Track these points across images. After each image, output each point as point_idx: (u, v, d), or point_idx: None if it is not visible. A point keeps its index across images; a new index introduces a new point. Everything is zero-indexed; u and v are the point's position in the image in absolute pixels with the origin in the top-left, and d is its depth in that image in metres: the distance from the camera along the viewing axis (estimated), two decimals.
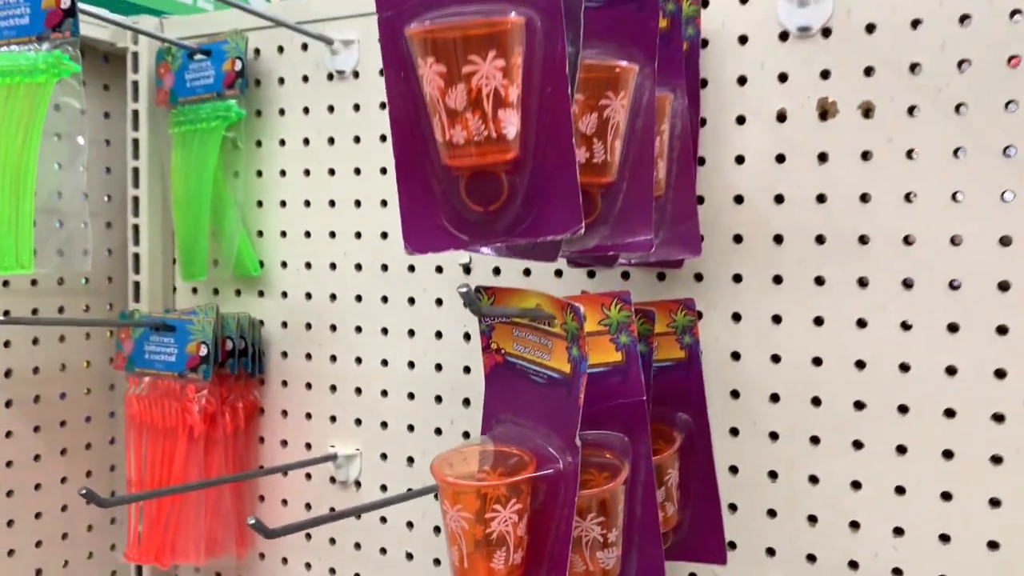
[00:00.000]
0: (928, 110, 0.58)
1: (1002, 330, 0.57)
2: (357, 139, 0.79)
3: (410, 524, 0.78)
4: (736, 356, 0.65)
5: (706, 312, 0.65)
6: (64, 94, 0.68)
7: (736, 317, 0.65)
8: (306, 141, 0.82)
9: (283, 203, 0.83)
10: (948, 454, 0.59)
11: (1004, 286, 0.57)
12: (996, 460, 0.58)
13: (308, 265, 0.82)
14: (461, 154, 0.43)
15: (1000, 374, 0.57)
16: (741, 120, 0.63)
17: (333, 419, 0.82)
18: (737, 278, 0.64)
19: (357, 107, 0.79)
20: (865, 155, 0.60)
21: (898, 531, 0.61)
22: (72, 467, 0.89)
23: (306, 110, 0.81)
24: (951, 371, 0.59)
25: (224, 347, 0.80)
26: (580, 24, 0.45)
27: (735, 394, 0.65)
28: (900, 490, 0.61)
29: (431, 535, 0.77)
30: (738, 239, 0.64)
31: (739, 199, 0.64)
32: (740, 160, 0.64)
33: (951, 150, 0.58)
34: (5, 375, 0.83)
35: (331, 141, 0.80)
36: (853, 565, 0.62)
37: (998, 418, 0.57)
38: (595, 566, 0.51)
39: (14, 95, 0.67)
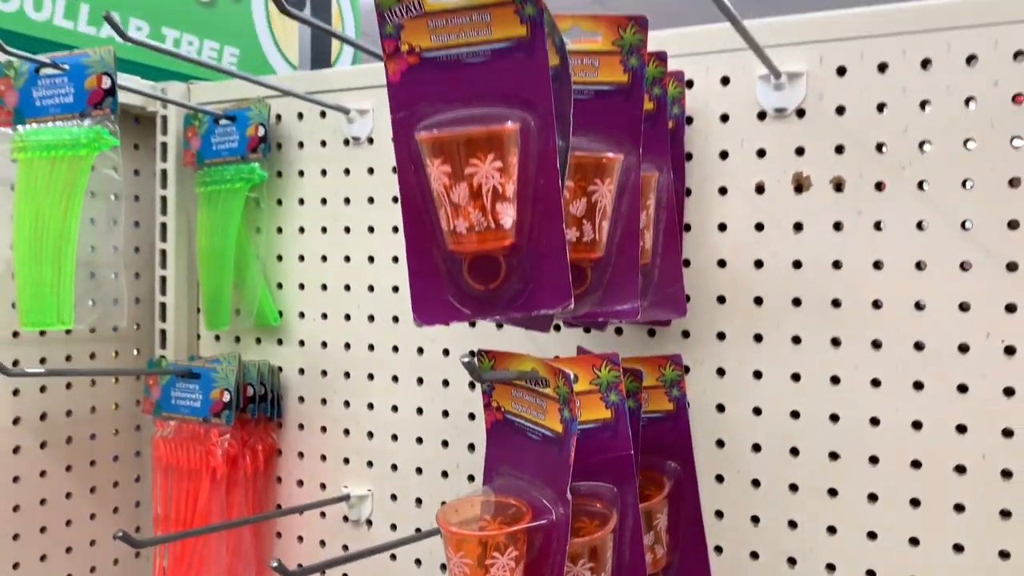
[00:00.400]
0: (894, 185, 0.64)
1: (962, 388, 0.62)
2: (371, 200, 0.85)
3: (418, 561, 0.83)
4: (721, 408, 0.70)
5: (693, 367, 0.70)
6: (103, 165, 0.74)
7: (720, 372, 0.70)
8: (323, 201, 0.88)
9: (301, 258, 0.89)
10: (915, 502, 0.64)
11: (964, 348, 0.62)
12: (959, 508, 0.62)
13: (324, 316, 0.88)
14: (464, 241, 0.49)
15: (961, 429, 0.62)
16: (723, 191, 0.69)
17: (346, 461, 0.87)
18: (721, 336, 0.69)
19: (371, 170, 0.85)
20: (837, 225, 0.66)
21: (870, 573, 0.65)
22: (100, 504, 0.95)
23: (324, 172, 0.87)
24: (917, 425, 0.64)
25: (245, 393, 0.86)
26: (569, 122, 0.51)
27: (720, 443, 0.70)
28: (872, 535, 0.65)
29: (438, 572, 0.82)
30: (721, 300, 0.69)
31: (722, 263, 0.69)
32: (723, 228, 0.69)
33: (915, 222, 0.63)
34: (41, 418, 0.89)
35: (347, 201, 0.86)
36: None
37: (960, 469, 0.62)
38: None
39: (58, 167, 0.73)
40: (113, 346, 0.96)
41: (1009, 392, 0.61)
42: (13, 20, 0.84)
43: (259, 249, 0.89)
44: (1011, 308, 0.61)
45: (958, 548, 0.63)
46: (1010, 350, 0.61)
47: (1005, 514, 0.61)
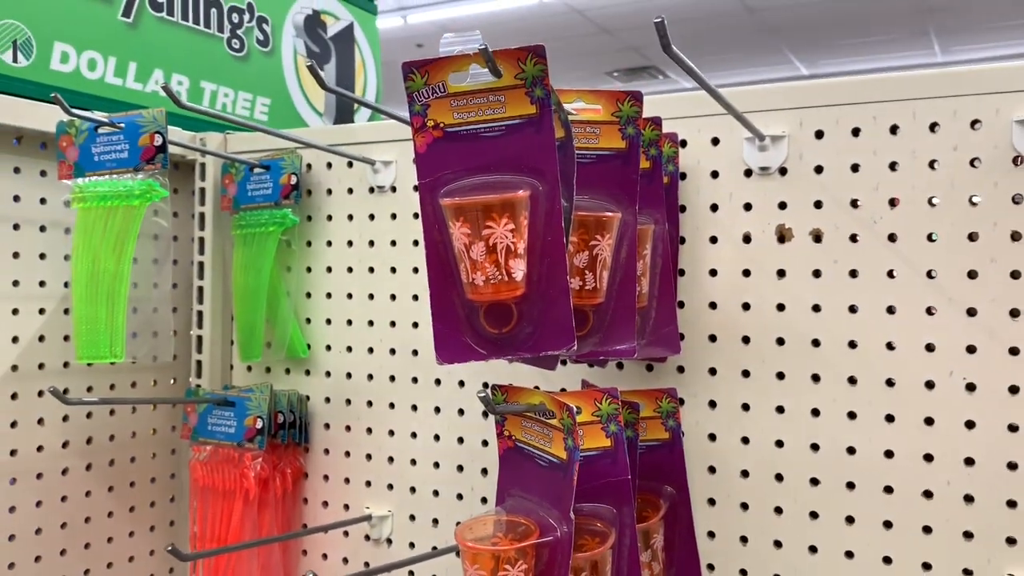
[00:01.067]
0: (867, 238, 0.71)
1: (929, 421, 0.69)
2: (393, 243, 0.92)
3: None
4: (712, 437, 0.77)
5: (687, 399, 0.77)
6: (154, 214, 0.82)
7: (712, 404, 0.77)
8: (349, 243, 0.95)
9: (329, 295, 0.97)
10: (888, 524, 0.70)
11: (930, 384, 0.69)
12: (927, 530, 0.69)
13: (349, 349, 0.95)
14: (480, 292, 0.56)
15: (928, 457, 0.69)
16: (714, 240, 0.76)
17: (368, 484, 0.94)
18: (712, 371, 0.76)
19: (394, 216, 0.92)
20: (816, 273, 0.73)
21: None
22: (138, 523, 1.02)
23: (350, 217, 0.95)
24: (889, 454, 0.70)
25: (276, 420, 0.93)
26: (572, 186, 0.58)
27: (712, 470, 0.77)
28: (849, 554, 0.72)
29: None
30: (713, 339, 0.76)
31: (713, 305, 0.76)
32: (714, 273, 0.76)
33: (886, 271, 0.70)
34: (87, 442, 0.96)
35: (371, 244, 0.94)
36: None
37: (928, 494, 0.69)
38: None
39: (113, 215, 0.81)
40: (152, 376, 1.03)
41: (970, 424, 0.67)
42: (70, 80, 0.93)
43: (290, 287, 0.97)
44: (971, 349, 0.67)
45: (927, 566, 0.69)
46: (971, 387, 0.67)
47: (968, 535, 0.68)
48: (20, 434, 0.90)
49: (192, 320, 1.02)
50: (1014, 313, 0.66)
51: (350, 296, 0.96)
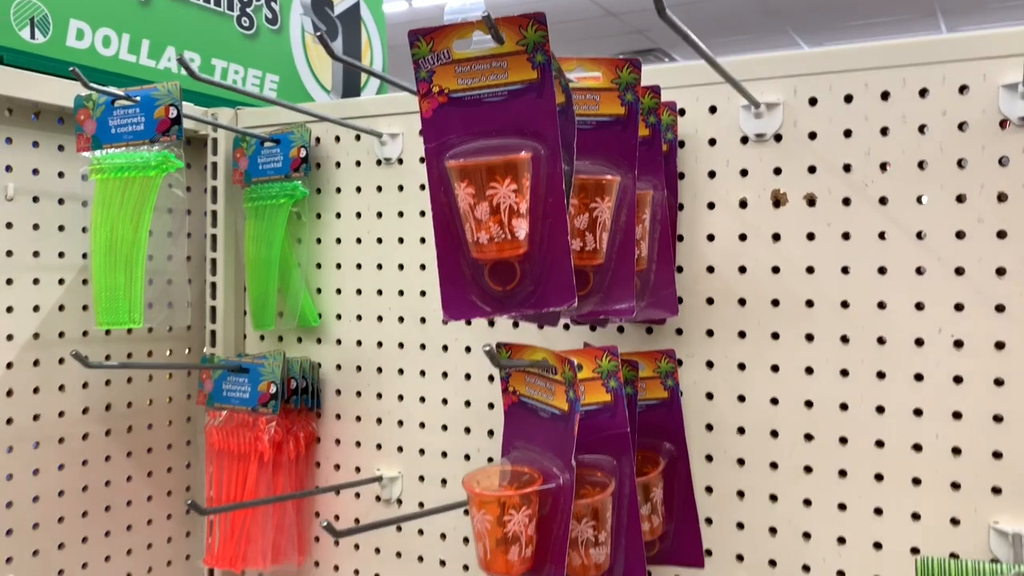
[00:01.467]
0: (859, 201, 0.73)
1: (919, 377, 0.71)
2: (400, 214, 0.95)
3: (443, 535, 0.93)
4: (710, 396, 0.79)
5: (685, 360, 0.80)
6: (170, 184, 0.85)
7: (709, 364, 0.79)
8: (358, 215, 0.98)
9: (338, 265, 1.00)
10: (879, 477, 0.73)
11: (919, 342, 0.71)
12: (916, 482, 0.72)
13: (359, 318, 0.98)
14: (485, 251, 0.59)
15: (918, 412, 0.71)
16: (711, 206, 0.79)
17: (379, 447, 0.97)
18: (710, 333, 0.79)
19: (401, 187, 0.95)
20: (810, 236, 0.75)
21: (841, 540, 0.75)
22: (156, 487, 1.05)
23: (358, 189, 0.98)
24: (880, 410, 0.73)
25: (289, 386, 0.96)
26: (573, 150, 0.61)
27: (709, 427, 0.79)
28: (842, 506, 0.74)
29: (461, 544, 0.92)
30: (710, 301, 0.79)
31: (710, 269, 0.79)
32: (711, 238, 0.79)
33: (877, 233, 0.73)
34: (106, 408, 1.00)
35: (379, 215, 0.97)
36: (806, 569, 0.76)
37: (917, 448, 0.71)
38: (588, 560, 0.65)
39: (130, 186, 0.84)
40: (167, 345, 1.06)
41: (958, 380, 0.70)
42: (86, 56, 0.95)
43: (300, 258, 1.00)
44: (959, 307, 0.70)
45: (916, 516, 0.72)
46: (958, 343, 0.70)
47: (955, 486, 0.70)
48: (42, 400, 0.94)
49: (206, 291, 1.05)
50: (1000, 271, 0.69)
51: (359, 266, 0.98)
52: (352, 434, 0.99)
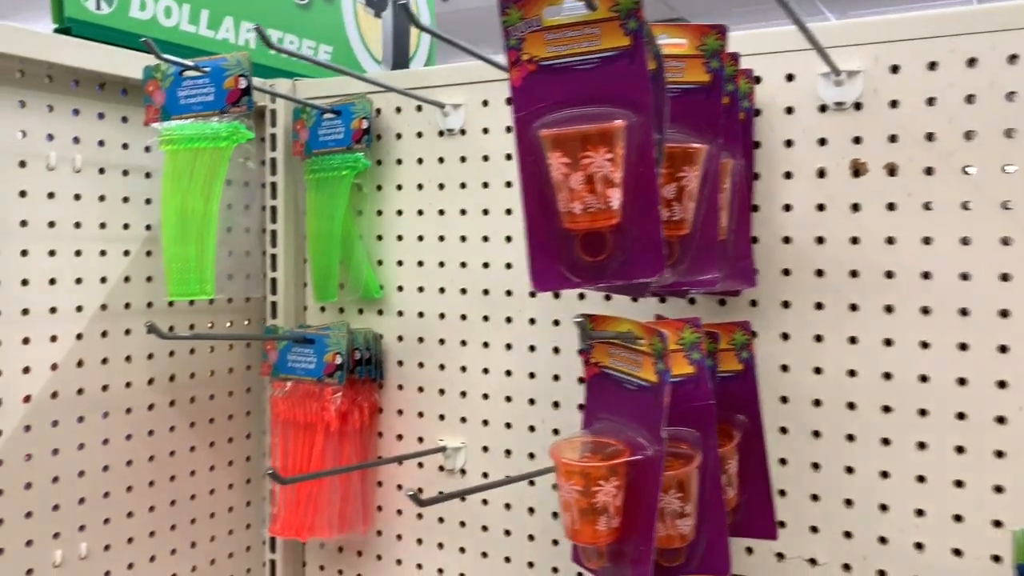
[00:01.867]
0: (941, 170, 0.72)
1: (1003, 349, 0.70)
2: (463, 185, 0.95)
3: (507, 505, 0.94)
4: (785, 368, 0.79)
5: (760, 332, 0.79)
6: (242, 155, 0.85)
7: (785, 336, 0.79)
8: (419, 186, 0.98)
9: (400, 237, 1.00)
10: (960, 449, 0.72)
11: (1004, 313, 0.70)
12: (999, 454, 0.71)
13: (420, 289, 0.98)
14: (578, 220, 0.58)
15: (1002, 384, 0.71)
16: (788, 175, 0.78)
17: (442, 417, 0.98)
18: (785, 304, 0.78)
19: (463, 159, 0.95)
20: (890, 206, 0.74)
21: (919, 512, 0.74)
22: (218, 457, 1.06)
23: (420, 160, 0.97)
24: (962, 382, 0.72)
25: (353, 357, 0.96)
26: (664, 118, 0.60)
27: (784, 399, 0.79)
28: (921, 479, 0.74)
29: (526, 515, 0.93)
30: (786, 272, 0.78)
31: (787, 240, 0.78)
32: (788, 208, 0.78)
33: (960, 203, 0.72)
34: (170, 379, 1.00)
35: (441, 187, 0.96)
36: (882, 540, 0.76)
37: (1000, 420, 0.71)
38: (675, 531, 0.65)
39: (200, 157, 0.84)
40: (228, 317, 1.07)
41: None
42: (148, 27, 0.95)
43: (362, 230, 1.00)
44: None
45: (998, 489, 0.71)
46: None
47: None
48: (111, 370, 0.94)
49: (266, 263, 1.06)
50: None
51: (421, 238, 0.98)
52: (415, 405, 1.00)
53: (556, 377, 0.90)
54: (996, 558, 0.71)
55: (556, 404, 0.91)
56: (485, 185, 0.94)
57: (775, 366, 0.79)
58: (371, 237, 1.01)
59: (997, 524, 0.71)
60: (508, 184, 0.92)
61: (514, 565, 0.94)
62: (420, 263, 0.98)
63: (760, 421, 0.76)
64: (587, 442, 0.66)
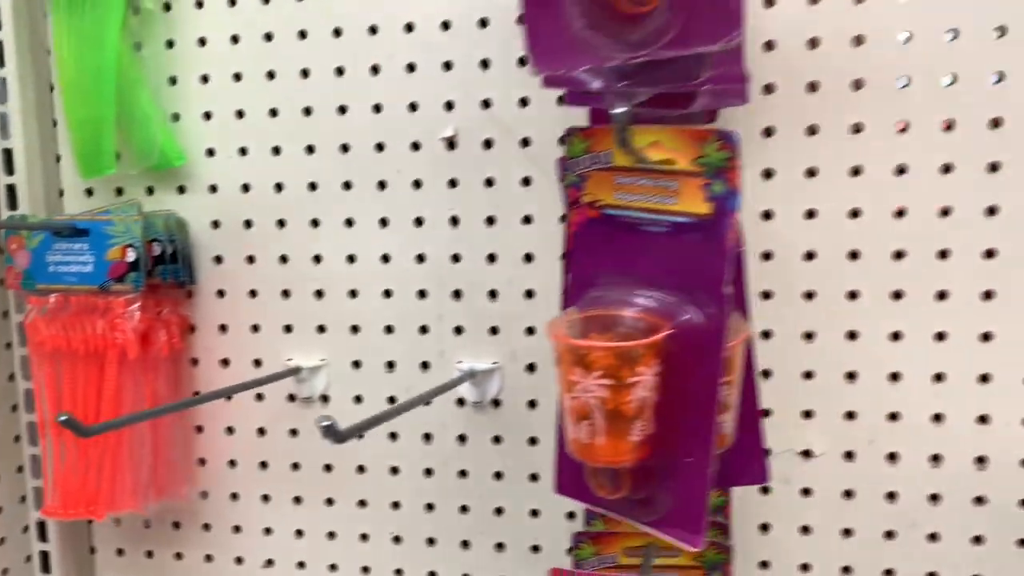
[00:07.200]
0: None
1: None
2: None
3: (393, 435, 0.70)
4: (767, 215, 0.61)
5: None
6: None
7: (767, 174, 0.61)
8: (231, 0, 0.68)
9: (205, 79, 0.70)
10: (988, 295, 0.59)
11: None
12: (985, 337, 0.59)
13: (243, 151, 0.70)
14: None
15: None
16: None
17: (288, 329, 0.71)
18: (767, 132, 0.60)
19: None
20: None
21: (938, 377, 0.60)
22: None
23: None
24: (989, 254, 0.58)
25: (150, 252, 0.67)
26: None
27: (767, 255, 0.62)
28: (939, 377, 0.60)
29: (420, 442, 0.69)
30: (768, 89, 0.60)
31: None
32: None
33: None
34: None
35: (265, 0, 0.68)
36: (893, 417, 0.62)
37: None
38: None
39: None
40: None
41: None
42: None
43: (147, 70, 0.69)
44: None
45: (984, 378, 0.59)
46: None
47: None
48: None
49: None
50: None
51: (238, 77, 0.69)
52: (245, 316, 0.72)
53: (456, 258, 0.67)
54: None
55: (457, 294, 0.67)
56: None
57: (755, 212, 0.61)
58: (161, 80, 0.70)
59: (983, 420, 0.59)
60: None
61: (405, 511, 0.71)
62: (239, 113, 0.70)
63: (745, 291, 0.58)
64: (588, 318, 0.44)
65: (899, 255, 0.60)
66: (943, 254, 0.59)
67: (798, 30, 0.59)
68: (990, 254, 0.59)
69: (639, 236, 0.44)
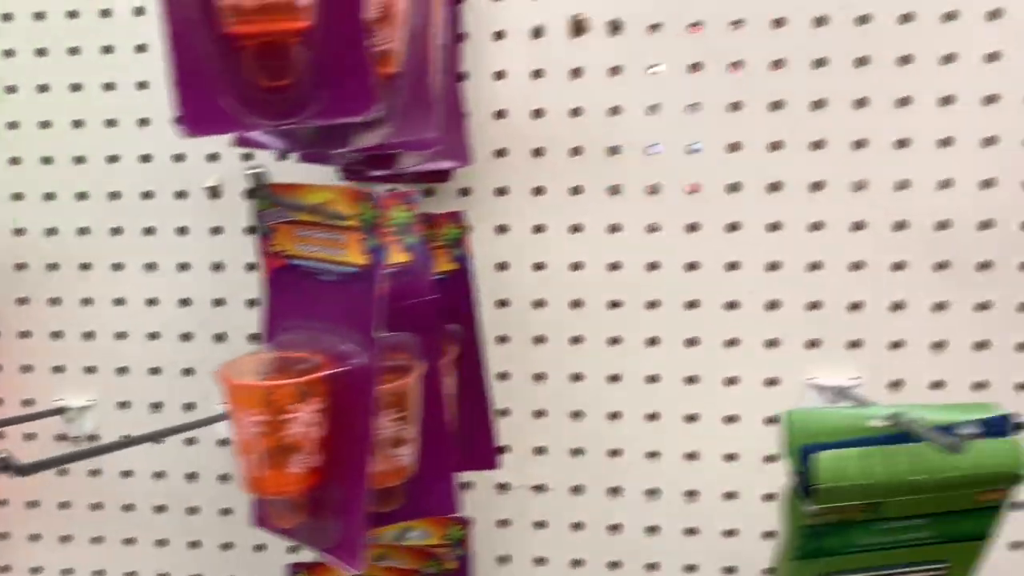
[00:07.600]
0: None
1: (733, 227, 0.64)
2: (73, 51, 0.70)
3: (159, 474, 0.72)
4: (503, 266, 0.67)
5: (475, 224, 0.66)
6: None
7: (502, 229, 0.66)
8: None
9: None
10: (692, 341, 0.66)
11: (735, 187, 0.64)
12: (731, 343, 0.65)
13: (17, 196, 0.72)
14: (247, 21, 0.40)
15: (733, 266, 0.64)
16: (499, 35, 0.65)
17: (59, 369, 0.73)
18: (501, 192, 0.66)
19: None
20: (615, 69, 0.64)
21: (652, 416, 0.66)
22: None
23: None
24: (692, 266, 0.65)
25: None
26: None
27: (503, 303, 0.67)
28: (652, 378, 0.66)
29: (184, 483, 0.72)
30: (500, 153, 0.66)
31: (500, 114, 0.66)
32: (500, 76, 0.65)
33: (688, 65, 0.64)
34: None
35: (41, 52, 0.70)
36: (614, 453, 0.67)
37: (732, 305, 0.65)
38: (390, 464, 0.50)
39: None
40: None
41: (774, 227, 0.64)
42: None
43: None
44: (775, 147, 0.63)
45: (732, 381, 0.65)
46: (774, 187, 0.64)
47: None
48: None
49: None
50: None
51: (14, 125, 0.72)
52: (16, 356, 0.73)
53: (219, 302, 0.70)
54: (729, 457, 0.66)
55: (221, 337, 0.70)
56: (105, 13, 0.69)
57: (491, 263, 0.67)
58: None
59: (730, 419, 0.66)
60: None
61: (172, 549, 0.73)
62: (14, 160, 0.72)
63: (477, 331, 0.64)
64: (272, 359, 0.48)
65: (615, 304, 0.66)
66: (652, 304, 0.66)
67: (524, 102, 0.65)
68: (692, 304, 0.65)
69: (318, 284, 0.49)
